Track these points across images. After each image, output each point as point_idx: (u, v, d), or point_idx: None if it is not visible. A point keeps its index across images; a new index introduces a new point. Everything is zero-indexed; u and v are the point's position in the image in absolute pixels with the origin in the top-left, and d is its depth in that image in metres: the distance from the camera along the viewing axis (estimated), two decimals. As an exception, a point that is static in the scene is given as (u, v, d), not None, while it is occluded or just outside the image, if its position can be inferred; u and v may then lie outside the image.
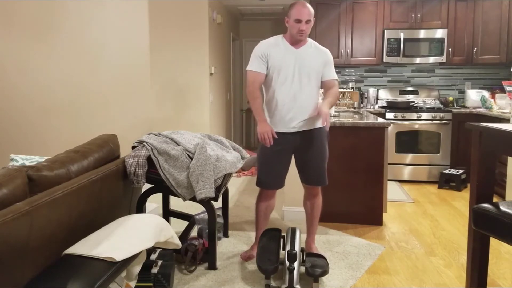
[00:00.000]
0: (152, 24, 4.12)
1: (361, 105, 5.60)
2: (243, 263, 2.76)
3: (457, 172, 4.70)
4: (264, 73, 2.61)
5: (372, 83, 5.81)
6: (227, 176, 2.65)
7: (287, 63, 2.57)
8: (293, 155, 2.73)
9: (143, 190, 2.74)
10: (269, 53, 2.59)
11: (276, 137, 2.57)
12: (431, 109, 5.10)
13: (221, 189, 2.63)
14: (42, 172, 1.83)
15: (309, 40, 2.67)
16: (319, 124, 2.65)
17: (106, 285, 1.63)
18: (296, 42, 2.60)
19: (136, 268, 2.03)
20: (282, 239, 2.71)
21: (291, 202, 3.54)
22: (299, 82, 2.58)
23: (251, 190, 4.64)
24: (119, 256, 1.69)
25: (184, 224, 3.07)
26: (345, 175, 3.49)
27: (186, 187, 2.50)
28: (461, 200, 4.30)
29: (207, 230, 2.70)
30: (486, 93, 5.16)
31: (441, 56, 5.24)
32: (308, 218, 2.87)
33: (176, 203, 3.36)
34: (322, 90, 2.75)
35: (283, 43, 2.62)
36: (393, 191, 4.55)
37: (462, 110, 5.06)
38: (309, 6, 2.52)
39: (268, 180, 2.71)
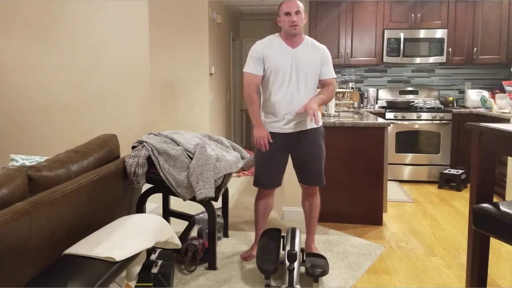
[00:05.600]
0: (152, 24, 4.13)
1: (361, 105, 5.60)
2: (243, 263, 2.76)
3: (457, 172, 4.70)
4: (261, 75, 2.60)
5: (372, 83, 5.80)
6: (227, 176, 2.65)
7: (284, 64, 2.55)
8: (290, 155, 2.73)
9: (143, 190, 2.74)
10: (265, 55, 2.56)
11: (272, 141, 2.58)
12: (431, 109, 5.10)
13: (221, 189, 2.63)
14: (42, 172, 1.82)
15: (306, 37, 2.63)
16: (315, 125, 2.63)
17: (106, 285, 1.63)
18: (291, 39, 2.57)
19: (136, 268, 2.03)
20: (282, 239, 2.71)
21: (291, 202, 3.54)
22: (296, 83, 2.56)
23: (251, 190, 4.63)
24: (119, 256, 1.69)
25: (184, 224, 3.07)
26: (345, 175, 3.49)
27: (186, 187, 2.50)
28: (461, 200, 4.30)
29: (207, 230, 2.69)
30: (486, 93, 5.16)
31: (441, 56, 5.24)
32: (307, 218, 2.87)
33: (176, 203, 3.35)
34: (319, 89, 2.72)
35: (279, 43, 2.59)
36: (393, 191, 4.55)
37: (462, 110, 5.05)
38: (297, 1, 2.53)
39: (265, 180, 2.72)
